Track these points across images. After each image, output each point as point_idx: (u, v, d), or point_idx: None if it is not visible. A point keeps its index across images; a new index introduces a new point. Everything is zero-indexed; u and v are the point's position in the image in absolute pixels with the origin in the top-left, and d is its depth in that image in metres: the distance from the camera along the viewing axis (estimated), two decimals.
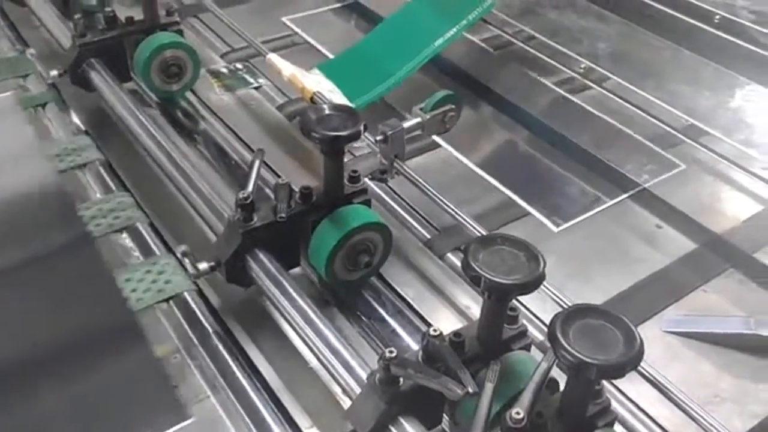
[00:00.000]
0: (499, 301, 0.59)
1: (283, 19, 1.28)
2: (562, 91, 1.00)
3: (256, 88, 1.13)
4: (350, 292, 0.80)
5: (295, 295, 0.70)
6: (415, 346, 0.74)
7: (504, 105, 1.08)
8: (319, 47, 1.21)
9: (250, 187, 0.73)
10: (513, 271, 0.57)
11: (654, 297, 0.81)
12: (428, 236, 0.85)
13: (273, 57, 1.01)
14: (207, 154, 0.99)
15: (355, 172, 0.79)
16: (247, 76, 1.16)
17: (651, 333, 0.78)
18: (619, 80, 0.89)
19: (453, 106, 0.84)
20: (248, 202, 0.72)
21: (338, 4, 1.36)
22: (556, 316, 0.53)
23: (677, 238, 0.89)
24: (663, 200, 0.91)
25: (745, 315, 0.77)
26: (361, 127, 0.72)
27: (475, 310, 0.79)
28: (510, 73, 1.07)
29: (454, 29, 1.04)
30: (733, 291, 0.83)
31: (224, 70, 1.17)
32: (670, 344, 0.76)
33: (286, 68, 0.99)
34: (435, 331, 0.59)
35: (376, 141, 0.81)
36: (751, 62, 1.00)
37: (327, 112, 0.73)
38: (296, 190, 0.75)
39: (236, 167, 0.96)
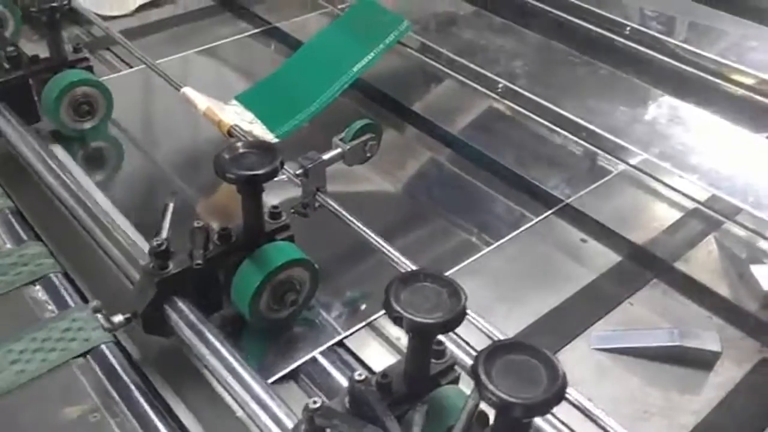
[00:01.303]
0: (423, 340, 0.58)
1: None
2: (481, 111, 1.01)
3: None
4: (279, 330, 0.78)
5: (216, 343, 0.68)
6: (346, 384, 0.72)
7: (428, 126, 1.08)
8: (237, 76, 1.19)
9: (164, 234, 0.70)
10: (435, 309, 0.56)
11: (582, 314, 0.82)
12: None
13: (187, 90, 0.98)
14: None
15: (275, 207, 0.77)
16: (172, 106, 1.12)
17: (580, 351, 0.78)
18: (537, 98, 0.90)
19: (373, 135, 0.83)
20: (162, 249, 0.69)
21: (256, 30, 1.35)
22: (479, 354, 0.52)
23: (602, 252, 0.90)
24: (586, 214, 0.92)
25: (670, 326, 0.78)
26: (278, 164, 0.70)
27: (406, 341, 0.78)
28: (430, 94, 1.07)
29: (372, 53, 1.03)
30: (658, 302, 0.84)
31: None
32: (599, 361, 0.77)
33: (202, 102, 0.96)
34: (360, 375, 0.57)
35: (296, 175, 0.79)
36: (662, 73, 1.02)
37: (241, 150, 0.71)
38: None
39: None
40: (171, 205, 0.74)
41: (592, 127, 0.85)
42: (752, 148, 0.84)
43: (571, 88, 0.93)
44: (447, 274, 0.81)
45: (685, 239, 0.87)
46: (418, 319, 0.55)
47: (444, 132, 1.06)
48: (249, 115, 1.01)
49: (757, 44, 1.03)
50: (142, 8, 1.40)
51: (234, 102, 1.03)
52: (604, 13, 1.09)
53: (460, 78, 0.97)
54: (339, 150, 0.81)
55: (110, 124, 1.06)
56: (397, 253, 0.74)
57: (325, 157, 0.80)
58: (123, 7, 1.39)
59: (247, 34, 1.32)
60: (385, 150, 0.93)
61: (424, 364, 0.60)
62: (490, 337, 0.66)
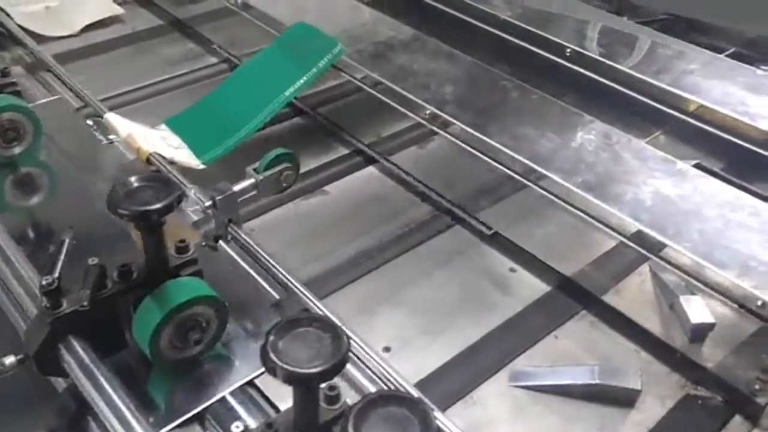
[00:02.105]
0: (305, 389, 0.56)
1: None
2: (412, 135, 0.99)
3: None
4: (185, 368, 0.75)
5: (107, 387, 0.65)
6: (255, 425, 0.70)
7: (362, 151, 1.06)
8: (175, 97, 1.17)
9: (57, 272, 0.68)
10: (315, 357, 0.54)
11: (504, 347, 0.79)
12: (277, 296, 0.81)
13: (110, 116, 0.95)
14: None
15: (182, 241, 0.74)
16: (96, 134, 1.10)
17: (498, 387, 0.76)
18: (462, 125, 0.87)
19: (289, 165, 0.80)
20: (54, 287, 0.67)
21: (203, 48, 1.33)
22: (349, 410, 0.50)
23: (530, 282, 0.87)
24: (516, 243, 0.90)
25: (592, 363, 0.75)
26: (175, 198, 0.68)
27: None
28: (363, 119, 1.05)
29: (305, 77, 1.00)
30: (584, 335, 0.81)
31: None
32: (516, 399, 0.74)
33: (124, 128, 0.93)
34: (237, 427, 0.55)
35: (205, 206, 0.77)
36: (597, 98, 1.00)
37: (136, 184, 0.69)
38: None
39: None
40: (67, 241, 0.71)
41: (515, 154, 0.83)
42: (681, 177, 0.81)
43: (500, 114, 0.90)
44: (372, 305, 0.84)
45: (617, 269, 0.84)
46: (293, 370, 0.52)
47: (373, 155, 1.04)
48: (176, 140, 0.98)
49: (696, 67, 1.01)
50: (89, 28, 1.38)
51: (163, 126, 1.01)
52: (544, 34, 1.07)
53: (389, 102, 0.95)
54: (252, 180, 0.79)
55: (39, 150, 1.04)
56: (304, 291, 0.72)
57: (237, 188, 0.77)
58: (68, 27, 1.36)
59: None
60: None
61: (312, 411, 0.58)
62: (387, 380, 0.63)
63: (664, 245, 0.73)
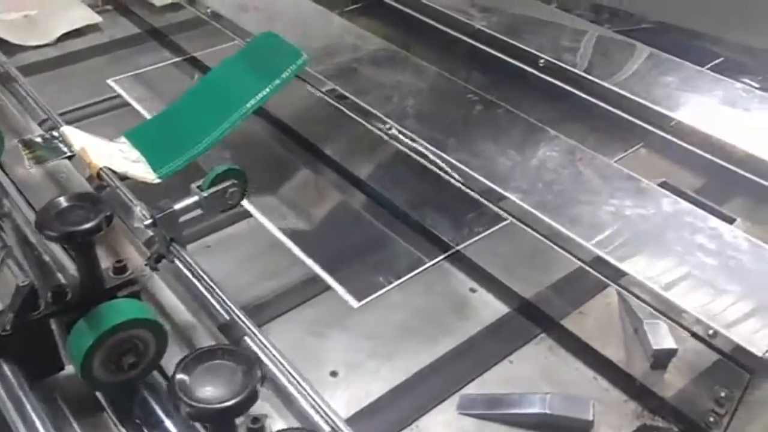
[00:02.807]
0: (215, 425, 0.53)
1: (109, 81, 1.21)
2: (375, 150, 0.96)
3: (69, 158, 1.06)
4: (125, 391, 0.73)
5: (33, 415, 0.63)
6: None
7: (333, 165, 1.03)
8: (141, 109, 1.15)
9: None
10: (225, 391, 0.51)
11: (456, 372, 0.76)
12: (227, 317, 0.78)
13: (66, 129, 0.93)
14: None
15: (120, 261, 0.72)
16: (61, 145, 1.08)
17: (446, 415, 0.72)
18: (421, 140, 0.85)
19: (235, 181, 0.78)
20: None
21: (177, 59, 1.31)
22: None
23: (490, 303, 0.84)
24: (477, 264, 0.87)
25: (544, 392, 0.72)
26: (104, 218, 0.66)
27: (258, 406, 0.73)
28: (331, 132, 1.02)
29: (267, 89, 0.97)
30: (540, 360, 0.78)
31: (38, 140, 1.10)
32: (464, 428, 0.71)
33: (79, 141, 0.91)
34: None
35: (145, 225, 0.74)
36: (575, 110, 0.97)
37: (66, 203, 0.67)
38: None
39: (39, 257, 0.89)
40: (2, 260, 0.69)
41: (472, 172, 0.80)
42: (644, 198, 0.78)
43: (462, 129, 0.87)
44: (322, 327, 0.81)
45: (581, 291, 0.81)
46: (196, 405, 0.50)
47: (347, 172, 1.02)
48: (134, 154, 0.96)
49: (673, 80, 0.97)
50: (65, 37, 1.37)
51: (122, 139, 0.98)
52: (517, 43, 1.04)
53: (353, 116, 0.92)
54: (195, 198, 0.76)
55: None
56: (243, 317, 0.69)
57: (178, 206, 0.75)
58: (44, 36, 1.35)
59: (167, 63, 1.29)
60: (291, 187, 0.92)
61: None
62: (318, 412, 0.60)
63: (621, 271, 0.70)
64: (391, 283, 0.86)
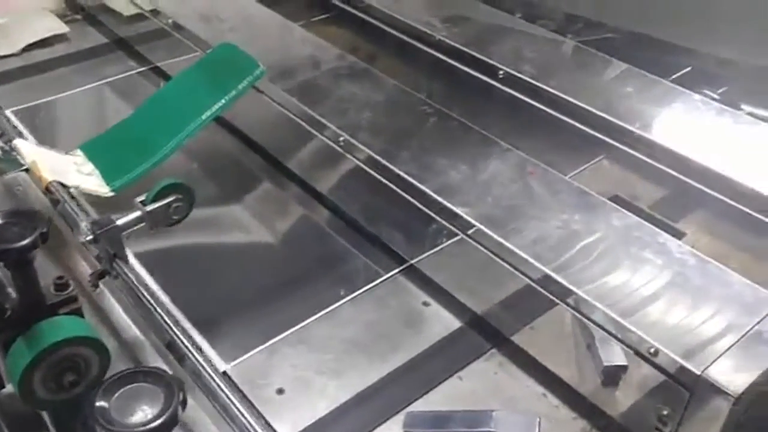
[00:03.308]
0: None
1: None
2: (330, 161, 0.95)
3: (26, 170, 1.05)
4: (67, 410, 0.72)
5: None
6: None
7: (292, 177, 1.03)
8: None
9: None
10: (144, 414, 0.50)
11: (405, 389, 0.75)
12: (171, 335, 0.77)
13: (18, 142, 0.93)
14: None
15: (60, 278, 0.71)
16: (20, 157, 1.07)
17: None
18: (372, 154, 0.84)
19: (179, 196, 0.77)
20: None
21: (144, 68, 1.30)
22: None
23: (442, 318, 0.83)
24: (430, 277, 0.86)
25: (491, 410, 0.71)
26: (38, 236, 0.65)
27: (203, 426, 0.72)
28: (288, 143, 1.01)
29: (223, 100, 0.97)
30: (490, 377, 0.77)
31: None
32: None
33: (30, 154, 0.91)
34: None
35: (86, 240, 0.73)
36: (535, 122, 0.96)
37: (1, 220, 0.66)
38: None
39: None
40: None
41: (419, 184, 0.79)
42: (594, 213, 0.77)
43: (413, 143, 0.87)
44: (271, 343, 0.80)
45: (532, 307, 0.80)
46: (114, 430, 0.49)
47: (305, 184, 1.01)
48: (89, 167, 0.95)
49: (631, 91, 0.97)
50: (32, 47, 1.36)
51: (78, 152, 0.97)
52: (477, 54, 1.04)
53: (307, 127, 0.92)
54: (138, 213, 0.75)
55: None
56: (184, 339, 0.68)
57: (120, 221, 0.74)
58: (9, 46, 1.34)
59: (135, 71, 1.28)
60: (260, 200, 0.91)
61: None
62: None
63: (567, 289, 0.69)
64: (344, 297, 0.86)
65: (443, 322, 0.83)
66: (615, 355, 0.73)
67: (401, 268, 0.88)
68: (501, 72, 1.01)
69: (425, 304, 0.85)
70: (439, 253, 0.84)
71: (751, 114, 1.20)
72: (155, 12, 1.19)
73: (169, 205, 0.76)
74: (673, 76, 1.25)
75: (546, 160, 0.99)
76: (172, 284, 0.86)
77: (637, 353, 0.64)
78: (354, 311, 0.84)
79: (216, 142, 1.11)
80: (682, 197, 0.89)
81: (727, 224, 0.85)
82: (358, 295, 0.85)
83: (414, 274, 0.88)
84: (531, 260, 0.72)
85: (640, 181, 0.92)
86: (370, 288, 0.87)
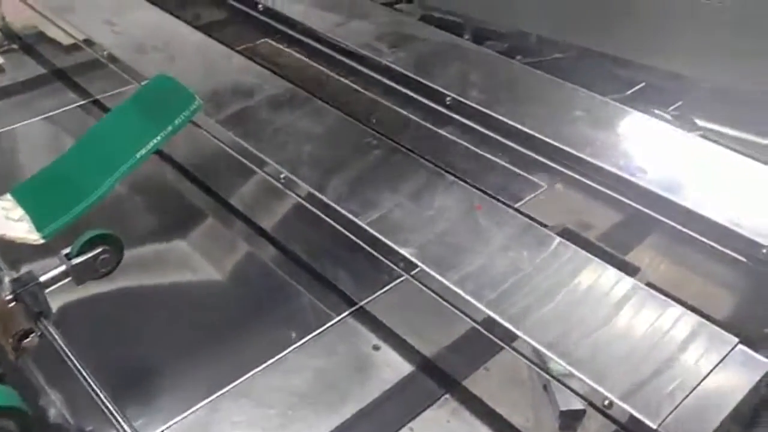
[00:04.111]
0: None
1: None
2: (273, 199, 0.91)
3: None
4: None
5: None
6: None
7: (240, 215, 0.98)
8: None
9: None
10: None
11: None
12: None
13: None
14: None
15: None
16: None
17: None
18: (314, 191, 0.80)
19: (107, 247, 0.72)
20: None
21: (84, 101, 1.25)
22: None
23: (394, 363, 0.79)
24: (380, 320, 0.82)
25: None
26: None
27: None
28: (230, 179, 0.97)
29: (158, 137, 0.92)
30: (442, 425, 0.73)
31: None
32: None
33: None
34: None
35: (6, 299, 0.68)
36: (473, 152, 0.94)
37: None
38: None
39: None
40: None
41: (361, 223, 0.75)
42: (541, 248, 0.74)
43: (358, 178, 0.83)
44: (212, 399, 0.75)
45: (485, 346, 0.76)
46: None
47: (235, 212, 0.97)
48: (18, 212, 0.89)
49: (580, 114, 0.94)
50: None
51: (8, 196, 0.92)
52: (424, 81, 1.01)
53: (247, 163, 0.88)
54: (62, 268, 0.71)
55: None
56: (111, 407, 0.64)
57: (43, 278, 0.69)
58: None
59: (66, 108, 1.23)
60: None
61: None
62: None
63: (513, 333, 0.66)
64: (292, 341, 0.82)
65: (394, 367, 0.79)
66: (572, 399, 0.69)
67: (350, 310, 0.85)
68: (448, 98, 0.98)
69: (375, 348, 0.81)
70: (388, 294, 0.81)
71: (705, 128, 1.20)
72: (89, 42, 1.14)
73: (95, 257, 0.72)
74: (627, 93, 1.24)
75: (496, 186, 0.97)
76: (103, 335, 0.82)
77: (592, 405, 0.61)
78: (301, 358, 0.80)
79: (157, 175, 1.06)
80: (633, 224, 0.86)
81: (680, 251, 0.82)
82: (306, 341, 0.82)
83: (363, 316, 0.84)
84: (476, 303, 0.68)
85: (591, 208, 0.89)
86: (318, 333, 0.83)
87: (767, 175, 0.84)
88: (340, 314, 0.85)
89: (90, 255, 0.71)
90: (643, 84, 1.26)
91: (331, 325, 0.84)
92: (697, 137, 0.93)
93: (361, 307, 0.84)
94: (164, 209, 1.04)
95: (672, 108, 1.24)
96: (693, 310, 0.77)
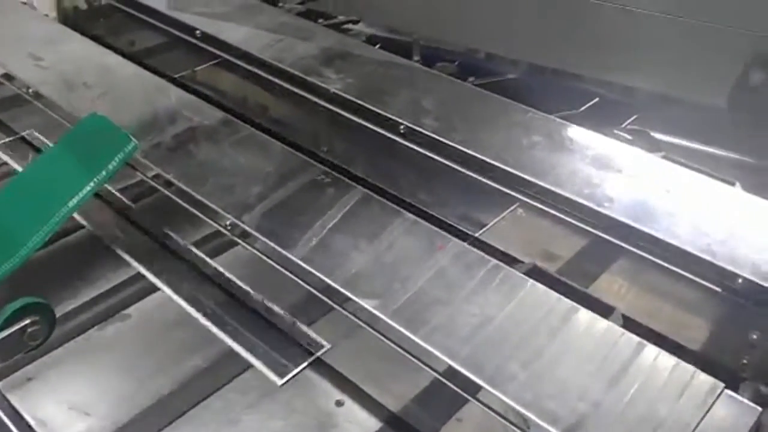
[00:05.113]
0: None
1: None
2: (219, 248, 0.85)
3: None
4: None
5: None
6: None
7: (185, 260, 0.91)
8: None
9: None
10: None
11: None
12: None
13: None
14: None
15: None
16: None
17: None
18: (262, 238, 0.74)
19: (36, 318, 0.66)
20: None
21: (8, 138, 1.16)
22: None
23: (358, 419, 0.73)
24: (342, 373, 0.76)
25: None
26: None
27: None
28: (172, 224, 0.90)
29: (92, 183, 0.86)
30: None
31: None
32: None
33: None
34: None
35: None
36: (429, 180, 0.89)
37: None
38: None
39: None
40: None
41: (315, 272, 0.70)
42: (504, 290, 0.70)
43: (309, 220, 0.78)
44: None
45: (456, 394, 0.72)
46: None
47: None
48: None
49: (537, 138, 0.90)
50: None
51: None
52: (375, 108, 0.96)
53: (186, 207, 0.81)
54: None
55: None
56: None
57: None
58: None
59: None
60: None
61: None
62: None
63: (477, 384, 0.61)
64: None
65: (359, 424, 0.73)
66: None
67: (309, 360, 0.79)
68: (402, 127, 0.93)
69: (338, 403, 0.75)
70: (349, 345, 0.75)
71: (662, 141, 1.18)
72: (8, 77, 1.06)
73: (23, 329, 0.65)
74: (582, 108, 1.21)
75: (456, 215, 0.93)
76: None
77: None
78: (257, 420, 0.74)
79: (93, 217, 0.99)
80: (602, 255, 0.82)
81: (654, 282, 0.79)
82: (260, 399, 0.75)
83: (324, 369, 0.78)
84: (438, 353, 0.63)
85: (555, 236, 0.85)
86: (273, 390, 0.77)
87: (732, 199, 0.82)
88: (298, 366, 0.79)
89: (17, 328, 0.64)
90: (597, 99, 1.24)
91: (290, 378, 0.78)
92: (657, 158, 0.89)
93: (319, 358, 0.78)
94: (106, 250, 0.96)
95: (628, 122, 1.22)
96: (670, 343, 0.75)
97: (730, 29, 1.07)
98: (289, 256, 0.73)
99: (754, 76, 1.06)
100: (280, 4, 1.33)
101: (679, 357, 0.75)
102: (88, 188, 0.86)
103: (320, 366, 0.78)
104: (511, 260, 0.88)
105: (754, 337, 0.71)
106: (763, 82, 1.05)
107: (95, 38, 1.36)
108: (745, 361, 0.72)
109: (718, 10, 1.08)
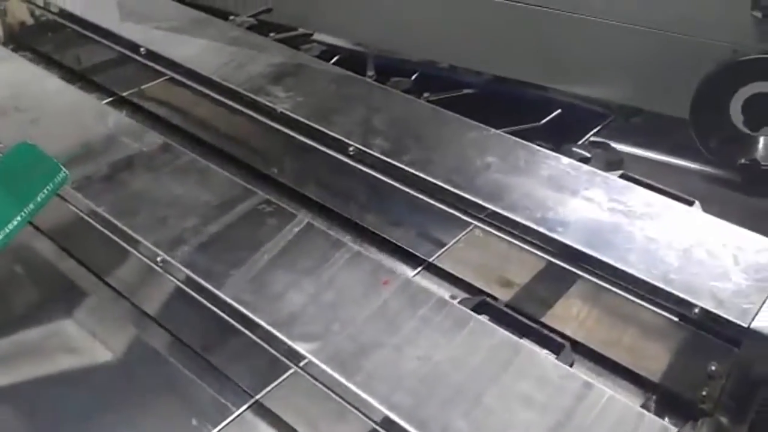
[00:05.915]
0: None
1: None
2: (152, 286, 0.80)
3: None
4: None
5: None
6: None
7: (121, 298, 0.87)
8: None
9: None
10: None
11: None
12: None
13: None
14: None
15: None
16: None
17: None
18: (195, 277, 0.70)
19: None
20: None
21: None
22: None
23: None
24: (277, 415, 0.72)
25: None
26: None
27: None
28: (105, 258, 0.85)
29: (19, 217, 0.81)
30: None
31: None
32: None
33: None
34: None
35: None
36: (378, 203, 0.85)
37: None
38: None
39: None
40: None
41: (253, 316, 0.66)
42: (452, 329, 0.66)
43: (247, 256, 0.73)
44: None
45: None
46: None
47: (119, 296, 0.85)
48: None
49: (493, 158, 0.86)
50: None
51: None
52: (324, 129, 0.91)
53: (117, 241, 0.77)
54: None
55: None
56: None
57: None
58: None
59: None
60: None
61: None
62: None
63: None
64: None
65: None
66: None
67: (249, 403, 0.74)
68: (351, 148, 0.89)
69: None
70: (285, 388, 0.71)
71: (624, 152, 1.15)
72: None
73: None
74: (543, 121, 1.18)
75: (408, 240, 0.89)
76: None
77: None
78: None
79: (29, 245, 0.94)
80: (554, 283, 0.78)
81: (606, 307, 0.75)
82: None
83: (262, 411, 0.74)
84: (372, 401, 0.59)
85: (509, 261, 0.81)
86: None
87: (691, 221, 0.78)
88: (239, 408, 0.75)
89: None
90: (559, 111, 1.20)
91: (229, 422, 0.74)
92: (617, 179, 0.85)
93: (258, 401, 0.74)
94: (39, 285, 0.91)
95: (590, 134, 1.19)
96: (624, 371, 0.72)
97: (691, 38, 1.04)
98: (221, 296, 0.69)
99: None
100: (231, 18, 1.28)
101: (638, 388, 0.73)
102: (17, 221, 0.81)
103: (259, 408, 0.74)
104: (465, 286, 0.85)
105: (713, 368, 0.68)
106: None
107: (41, 55, 1.31)
108: (704, 393, 0.69)
109: (679, 19, 1.05)
